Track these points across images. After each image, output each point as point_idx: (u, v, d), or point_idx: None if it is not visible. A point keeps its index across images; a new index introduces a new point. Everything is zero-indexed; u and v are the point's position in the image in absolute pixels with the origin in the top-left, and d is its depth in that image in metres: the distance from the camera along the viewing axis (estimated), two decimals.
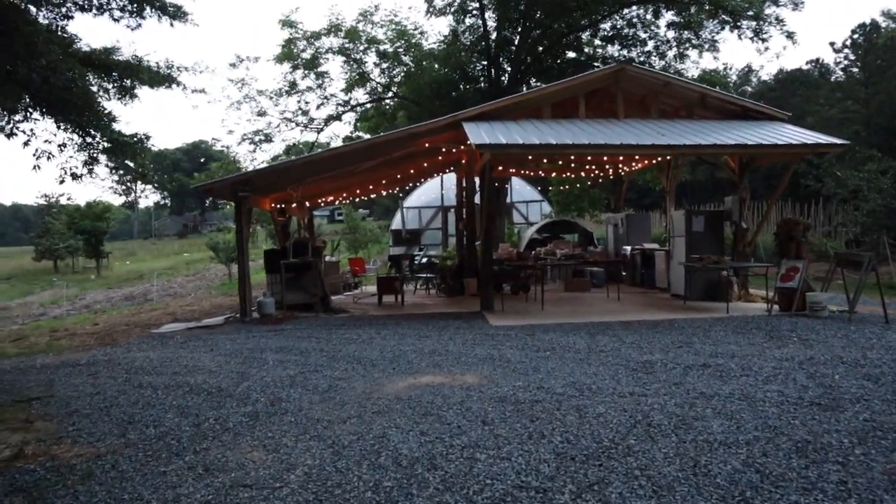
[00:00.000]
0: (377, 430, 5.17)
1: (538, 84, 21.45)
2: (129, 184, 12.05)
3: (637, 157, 15.92)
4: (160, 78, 11.40)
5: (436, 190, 27.01)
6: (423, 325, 10.78)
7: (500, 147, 10.47)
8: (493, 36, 22.92)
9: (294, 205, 14.91)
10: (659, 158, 15.64)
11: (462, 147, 12.79)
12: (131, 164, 9.95)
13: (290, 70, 21.62)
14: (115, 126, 9.46)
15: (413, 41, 22.92)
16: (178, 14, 10.55)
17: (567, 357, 7.63)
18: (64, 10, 9.64)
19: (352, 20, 21.76)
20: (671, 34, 23.06)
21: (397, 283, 14.41)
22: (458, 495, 3.87)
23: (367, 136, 20.48)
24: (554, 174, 20.01)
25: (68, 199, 48.95)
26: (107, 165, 9.62)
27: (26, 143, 9.54)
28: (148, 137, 9.90)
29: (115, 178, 10.82)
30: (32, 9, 9.23)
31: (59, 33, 9.57)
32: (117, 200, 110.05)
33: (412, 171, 15.67)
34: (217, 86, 60.32)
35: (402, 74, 23.09)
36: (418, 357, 8.01)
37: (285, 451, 4.87)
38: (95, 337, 12.50)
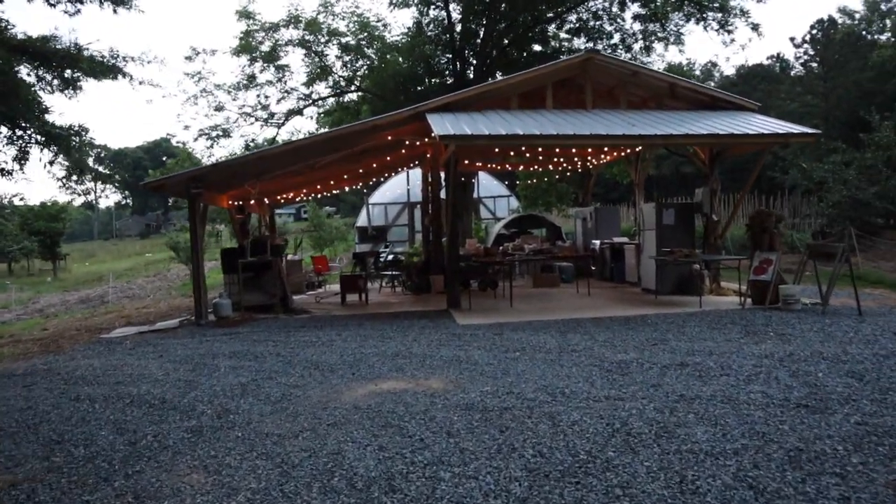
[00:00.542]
0: (332, 446, 4.69)
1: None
2: (73, 181, 11.29)
3: (606, 150, 15.64)
4: (104, 68, 10.71)
5: (402, 186, 26.50)
6: (387, 325, 10.30)
7: (465, 138, 10.03)
8: (458, 28, 22.47)
9: (252, 202, 14.27)
10: (628, 150, 15.37)
11: (426, 140, 12.33)
12: (66, 160, 9.23)
13: (249, 63, 20.89)
14: (49, 118, 8.75)
15: (376, 34, 22.36)
16: None
17: (538, 357, 7.22)
18: None
19: (312, 11, 21.15)
20: (637, 26, 22.89)
21: (361, 281, 13.89)
22: None
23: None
24: (521, 168, 19.67)
25: (21, 199, 46.88)
26: (50, 161, 8.90)
27: None
28: (85, 130, 9.24)
29: (59, 174, 10.07)
30: None
31: None
32: (76, 201, 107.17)
33: (374, 166, 15.11)
34: (172, 80, 58.86)
35: (366, 68, 22.51)
36: (380, 360, 7.54)
37: (228, 472, 4.36)
38: (40, 343, 11.77)
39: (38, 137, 8.79)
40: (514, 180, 26.54)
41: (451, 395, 5.79)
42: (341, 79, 22.59)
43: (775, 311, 10.07)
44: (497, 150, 14.17)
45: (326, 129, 18.57)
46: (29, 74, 10.17)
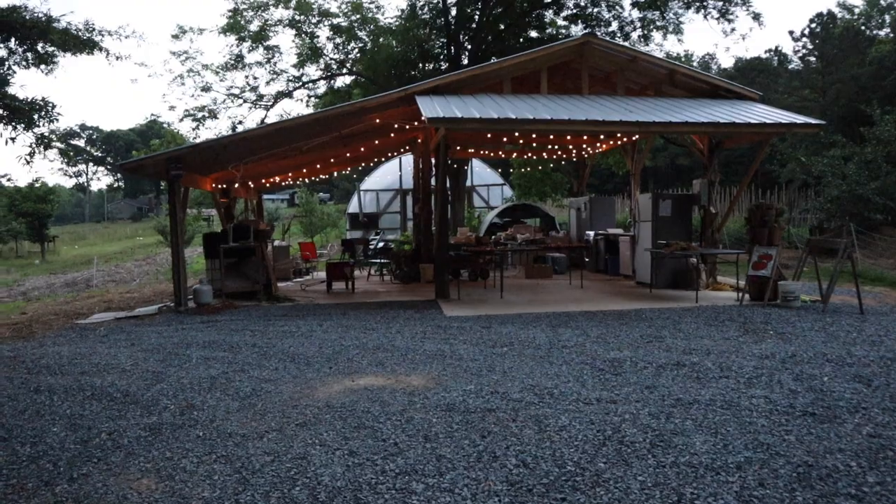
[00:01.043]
0: (298, 449, 4.30)
1: None
2: (36, 158, 10.73)
3: (602, 137, 15.23)
4: (78, 42, 10.20)
5: (394, 172, 26.08)
6: (372, 315, 9.90)
7: (454, 121, 9.60)
8: (454, 12, 21.97)
9: (237, 185, 13.81)
10: (625, 139, 14.95)
11: (416, 123, 11.88)
12: (32, 134, 8.75)
13: (237, 42, 20.32)
14: (13, 91, 8.26)
15: (369, 16, 21.82)
16: None
17: (526, 354, 6.84)
18: None
19: None
20: (636, 14, 22.44)
21: (347, 269, 13.46)
22: None
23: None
24: (515, 155, 19.23)
25: (8, 180, 46.14)
26: (11, 138, 8.42)
27: None
28: (49, 104, 8.74)
29: (28, 150, 9.58)
30: None
31: None
32: (67, 182, 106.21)
33: (363, 150, 14.65)
34: (159, 59, 57.92)
35: (358, 51, 21.99)
36: (360, 353, 7.14)
37: (182, 477, 3.97)
38: (13, 328, 11.32)
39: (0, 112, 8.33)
40: (509, 168, 26.11)
41: (431, 394, 5.41)
42: (333, 61, 22.08)
43: (774, 308, 9.72)
44: (489, 135, 13.74)
45: (313, 111, 18.08)
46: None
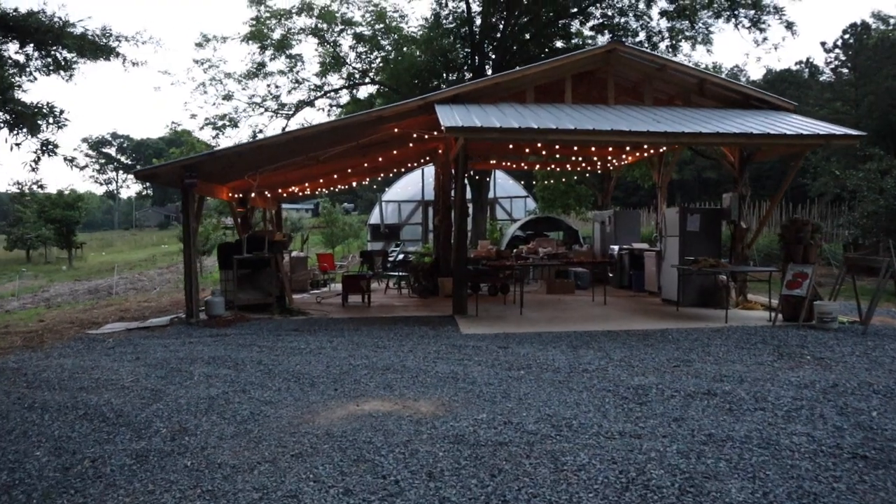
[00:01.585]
0: (290, 485, 3.93)
1: None
2: (39, 164, 10.48)
3: (628, 149, 14.76)
4: (95, 48, 10.03)
5: (416, 183, 25.82)
6: (385, 331, 9.53)
7: (473, 131, 9.22)
8: (478, 21, 21.69)
9: (253, 194, 13.58)
10: (651, 151, 14.47)
11: (435, 133, 11.54)
12: (37, 139, 8.55)
13: (259, 50, 20.20)
14: (23, 97, 8.09)
15: (393, 25, 21.60)
16: None
17: (544, 378, 6.41)
18: None
19: None
20: (664, 24, 21.94)
21: (364, 282, 13.13)
22: None
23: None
24: (538, 167, 18.82)
25: (40, 187, 46.46)
26: (17, 143, 8.23)
27: None
28: (54, 109, 8.55)
29: (34, 156, 9.39)
30: None
31: None
32: (99, 190, 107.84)
33: (381, 160, 14.35)
34: (182, 66, 58.48)
35: (381, 60, 21.77)
36: (369, 374, 6.77)
37: None
38: (25, 337, 11.16)
39: (6, 116, 8.14)
40: (532, 180, 25.68)
41: (440, 423, 5.01)
42: (355, 70, 21.88)
43: (810, 329, 9.17)
44: (511, 146, 13.36)
45: (330, 120, 17.86)
46: (17, 53, 9.52)
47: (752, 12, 19.57)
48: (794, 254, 9.89)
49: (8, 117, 8.04)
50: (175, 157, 19.13)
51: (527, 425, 4.89)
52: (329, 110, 22.20)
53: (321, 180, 15.29)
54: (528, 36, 21.67)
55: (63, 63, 10.33)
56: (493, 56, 21.63)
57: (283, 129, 21.89)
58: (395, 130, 11.52)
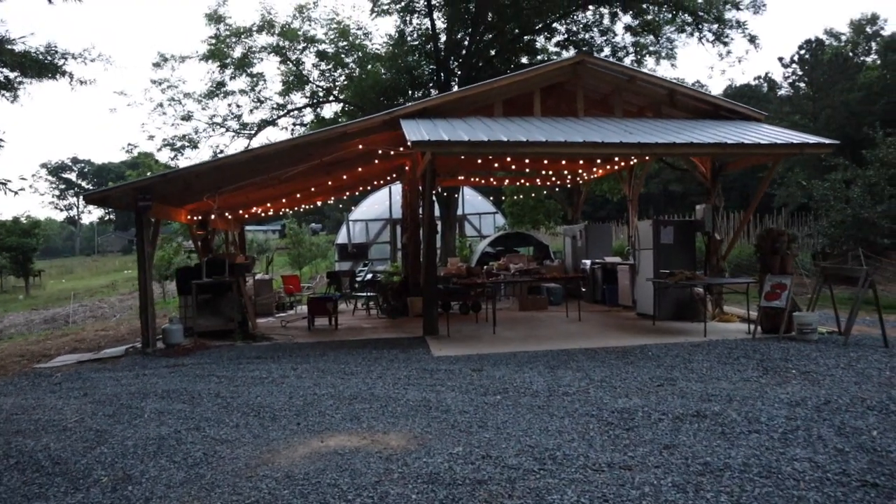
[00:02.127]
0: None
1: None
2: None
3: (599, 162, 14.58)
4: (37, 65, 9.48)
5: (384, 201, 25.40)
6: (353, 356, 9.06)
7: (441, 145, 8.87)
8: (443, 38, 21.47)
9: (213, 216, 13.02)
10: (622, 163, 14.29)
11: (401, 149, 11.18)
12: None
13: (219, 69, 19.67)
14: None
15: (356, 42, 21.27)
16: None
17: (522, 403, 6.01)
18: None
19: (287, 16, 19.98)
20: (629, 39, 21.99)
21: (330, 304, 12.63)
22: None
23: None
24: (507, 183, 18.57)
25: None
26: None
27: None
28: None
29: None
30: None
31: None
32: (59, 216, 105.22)
33: (345, 178, 13.92)
34: (139, 87, 57.19)
35: (345, 78, 21.39)
36: (335, 405, 6.30)
37: None
38: None
39: None
40: (501, 196, 25.45)
41: (411, 459, 4.57)
42: (319, 89, 21.44)
43: (791, 341, 8.95)
44: (480, 161, 13.07)
45: (291, 137, 17.38)
46: None
47: (716, 26, 19.68)
48: (772, 264, 9.70)
49: None
50: (131, 180, 18.48)
51: (507, 459, 4.49)
52: (293, 129, 21.72)
53: (284, 200, 14.78)
54: (493, 52, 21.51)
55: (5, 82, 9.77)
56: (459, 72, 21.40)
57: (246, 148, 21.33)
58: (360, 147, 11.13)
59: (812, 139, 10.08)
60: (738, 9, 19.85)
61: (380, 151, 11.58)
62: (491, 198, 26.74)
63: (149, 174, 15.94)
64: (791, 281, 9.35)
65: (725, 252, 11.76)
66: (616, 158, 13.78)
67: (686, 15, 19.44)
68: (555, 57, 22.55)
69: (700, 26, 19.96)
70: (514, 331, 11.08)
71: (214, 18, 19.37)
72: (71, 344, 14.05)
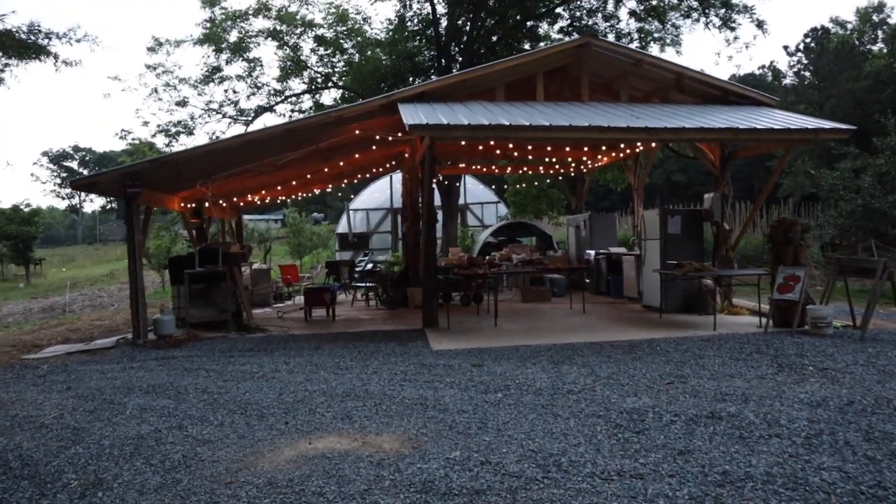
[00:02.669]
0: None
1: None
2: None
3: (604, 149, 14.17)
4: (20, 46, 9.09)
5: (385, 190, 25.06)
6: (349, 349, 8.72)
7: (440, 129, 8.48)
8: (444, 23, 21.00)
9: (207, 204, 12.67)
10: (628, 150, 13.88)
11: (399, 135, 10.81)
12: None
13: (214, 54, 19.21)
14: None
15: (355, 27, 20.81)
16: None
17: (525, 402, 5.67)
18: None
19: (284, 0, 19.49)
20: (634, 24, 21.50)
21: (327, 295, 12.28)
22: None
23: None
24: (509, 171, 18.16)
25: None
26: None
27: None
28: None
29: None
30: None
31: None
32: (61, 204, 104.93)
33: (342, 165, 13.52)
34: (134, 72, 56.44)
35: (344, 63, 20.95)
36: (326, 402, 5.96)
37: None
38: None
39: None
40: (503, 185, 25.04)
41: (405, 465, 4.23)
42: (318, 75, 21.00)
43: (804, 335, 8.58)
44: (481, 147, 12.66)
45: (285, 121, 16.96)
46: None
47: (723, 11, 19.19)
48: (784, 256, 9.32)
49: None
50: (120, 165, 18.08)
51: (508, 465, 4.14)
52: (290, 116, 21.27)
53: (279, 188, 14.40)
54: (495, 38, 21.05)
55: None
56: (461, 59, 20.93)
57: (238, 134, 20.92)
58: (357, 132, 10.75)
59: (827, 124, 9.67)
60: None
61: (377, 137, 11.20)
62: (493, 186, 26.36)
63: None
64: (805, 273, 8.97)
65: (734, 243, 11.38)
66: (622, 145, 13.38)
67: (692, 1, 18.95)
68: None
69: (707, 11, 19.48)
70: (516, 323, 10.73)
71: (209, 1, 18.91)
72: (64, 334, 13.74)
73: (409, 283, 13.66)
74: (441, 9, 20.78)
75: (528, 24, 21.51)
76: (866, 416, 4.89)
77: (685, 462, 4.08)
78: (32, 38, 9.33)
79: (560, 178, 18.42)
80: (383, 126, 10.98)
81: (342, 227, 26.51)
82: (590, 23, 22.02)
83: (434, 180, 13.76)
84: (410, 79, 21.02)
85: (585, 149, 14.75)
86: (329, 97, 22.59)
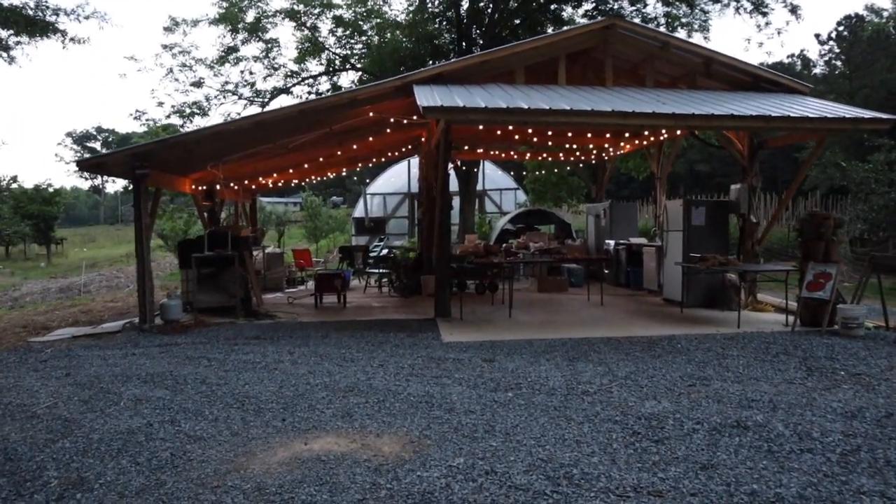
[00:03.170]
0: None
1: None
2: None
3: (627, 136, 13.70)
4: (27, 22, 8.85)
5: (402, 175, 24.76)
6: (356, 339, 8.44)
7: (455, 111, 8.10)
8: (465, 5, 20.52)
9: (218, 186, 12.42)
10: (652, 138, 13.40)
11: (415, 118, 10.43)
12: None
13: (230, 34, 18.91)
14: None
15: (375, 8, 20.39)
16: None
17: (536, 403, 5.34)
18: None
19: None
20: (661, 9, 20.85)
21: (338, 281, 12.01)
22: None
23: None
24: (528, 157, 17.73)
25: (14, 181, 45.82)
26: None
27: None
28: None
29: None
30: None
31: None
32: (84, 184, 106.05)
33: (355, 147, 13.18)
34: (150, 53, 56.22)
35: (362, 45, 20.57)
36: (328, 397, 5.68)
37: None
38: None
39: None
40: (522, 171, 24.60)
41: (404, 472, 3.93)
42: (336, 56, 20.64)
43: (834, 336, 8.15)
44: (499, 132, 12.25)
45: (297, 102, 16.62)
46: None
47: None
48: (815, 251, 8.86)
49: None
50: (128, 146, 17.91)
51: (515, 475, 3.82)
52: (307, 98, 20.96)
53: (291, 171, 14.11)
54: (517, 21, 20.54)
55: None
56: (482, 42, 20.47)
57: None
58: (371, 115, 10.40)
59: (867, 114, 9.13)
60: None
61: (392, 120, 10.85)
62: (512, 173, 25.93)
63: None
64: (837, 270, 8.52)
65: (761, 236, 10.92)
66: (646, 133, 12.90)
67: None
68: None
69: None
70: (531, 315, 10.39)
71: None
72: (76, 315, 13.67)
73: (424, 270, 13.35)
74: None
75: (552, 6, 20.97)
76: None
77: (708, 479, 3.74)
78: (40, 14, 9.07)
79: (581, 165, 17.97)
80: (398, 109, 10.62)
81: (359, 211, 26.27)
82: (615, 7, 21.43)
83: (452, 165, 13.43)
84: (430, 62, 20.61)
85: (608, 135, 14.27)
86: (347, 80, 22.29)
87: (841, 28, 44.05)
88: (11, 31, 9.22)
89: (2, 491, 3.94)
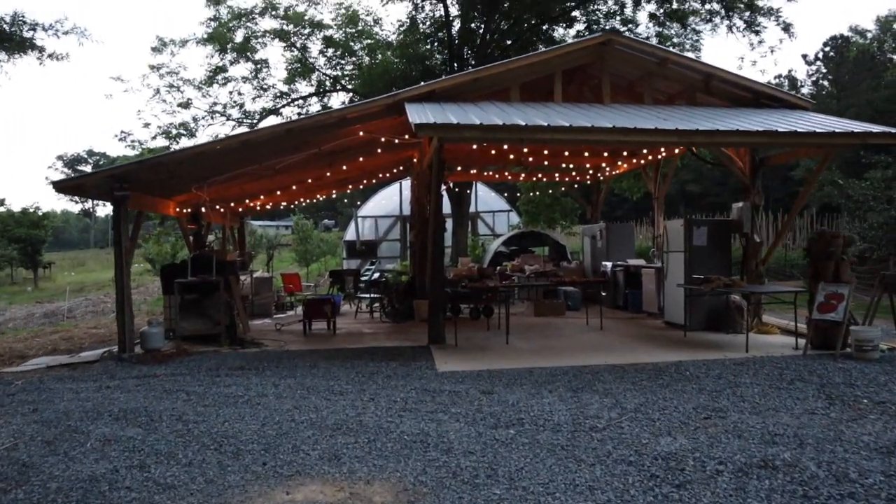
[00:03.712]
0: None
1: None
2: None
3: (625, 154, 13.39)
4: (2, 38, 8.47)
5: (394, 197, 24.48)
6: (346, 369, 7.97)
7: (448, 129, 7.74)
8: (457, 26, 20.33)
9: (203, 209, 11.99)
10: (650, 157, 13.10)
11: (407, 137, 10.09)
12: None
13: (218, 54, 18.60)
14: None
15: (366, 29, 20.17)
16: None
17: (541, 441, 4.89)
18: None
19: None
20: (653, 29, 20.72)
21: (328, 307, 11.56)
22: None
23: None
24: (522, 178, 17.41)
25: (0, 204, 45.27)
26: None
27: None
28: None
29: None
30: None
31: None
32: (74, 207, 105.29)
33: (345, 168, 12.81)
34: (137, 73, 55.86)
35: (353, 66, 20.31)
36: (314, 436, 5.21)
37: None
38: None
39: None
40: (516, 193, 24.32)
41: None
42: (326, 77, 20.35)
43: (848, 359, 7.77)
44: (493, 152, 11.93)
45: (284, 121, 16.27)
46: None
47: (748, 14, 18.40)
48: (824, 271, 8.49)
49: None
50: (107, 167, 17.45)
51: None
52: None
53: (279, 193, 13.70)
54: (509, 42, 20.36)
55: None
56: (473, 62, 20.26)
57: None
58: (361, 134, 10.03)
59: (875, 128, 8.82)
60: None
61: (383, 140, 10.49)
62: (505, 194, 25.65)
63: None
64: (849, 291, 8.14)
65: (766, 256, 10.58)
66: (644, 151, 12.60)
67: (714, 3, 18.18)
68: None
69: (731, 14, 18.70)
70: (529, 341, 9.96)
71: (214, 0, 18.33)
72: (56, 343, 13.15)
73: (416, 294, 12.93)
74: (454, 11, 20.14)
75: (544, 27, 20.81)
76: None
77: None
78: (17, 29, 8.69)
79: (575, 185, 17.67)
80: (389, 128, 10.27)
81: (350, 234, 25.90)
82: (607, 27, 21.32)
83: (444, 187, 13.06)
84: (421, 83, 20.34)
85: (605, 154, 13.95)
86: (337, 100, 22.01)
87: (827, 49, 44.51)
88: None
89: None
